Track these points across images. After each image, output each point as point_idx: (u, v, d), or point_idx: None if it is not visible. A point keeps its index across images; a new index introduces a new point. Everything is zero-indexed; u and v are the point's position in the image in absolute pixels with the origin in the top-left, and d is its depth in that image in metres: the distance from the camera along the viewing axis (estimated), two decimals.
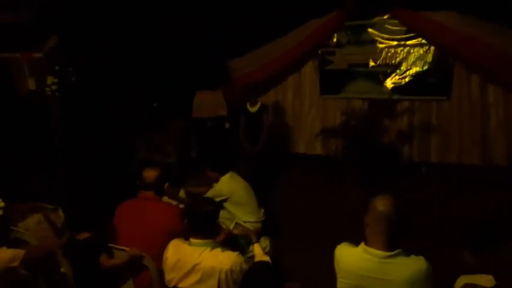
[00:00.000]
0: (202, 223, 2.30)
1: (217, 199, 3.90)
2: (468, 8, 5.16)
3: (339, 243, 2.21)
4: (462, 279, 2.03)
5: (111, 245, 2.69)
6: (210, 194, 3.94)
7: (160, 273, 2.54)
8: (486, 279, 1.93)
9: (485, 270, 2.03)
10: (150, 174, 2.97)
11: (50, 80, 4.40)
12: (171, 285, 2.32)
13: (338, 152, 5.88)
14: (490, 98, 5.62)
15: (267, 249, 3.99)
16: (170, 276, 2.33)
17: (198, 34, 6.22)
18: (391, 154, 5.85)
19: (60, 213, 3.34)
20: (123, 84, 5.29)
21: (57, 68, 4.44)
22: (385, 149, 5.83)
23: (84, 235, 2.62)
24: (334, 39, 6.35)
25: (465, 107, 5.80)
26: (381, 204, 2.03)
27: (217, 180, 3.88)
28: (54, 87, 4.43)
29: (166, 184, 3.67)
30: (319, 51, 6.47)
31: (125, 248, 2.62)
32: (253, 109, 5.51)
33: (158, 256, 2.56)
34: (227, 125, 7.07)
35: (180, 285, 2.29)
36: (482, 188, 5.22)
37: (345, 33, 6.26)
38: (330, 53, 6.43)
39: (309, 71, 6.70)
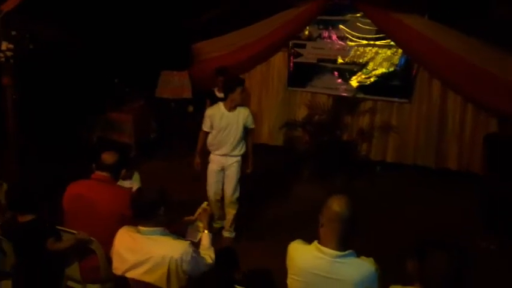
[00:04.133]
0: (145, 211, 2.23)
1: None
2: (438, 13, 5.29)
3: (293, 235, 2.21)
4: None
5: (59, 227, 2.57)
6: None
7: (109, 259, 2.46)
8: None
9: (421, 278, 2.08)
10: (109, 156, 2.86)
11: (4, 45, 4.11)
12: (118, 273, 2.24)
13: (299, 145, 5.93)
14: (449, 104, 5.84)
15: None
16: (117, 264, 2.25)
17: (168, 11, 6.00)
18: (350, 151, 5.97)
19: (5, 187, 3.17)
20: (84, 56, 5.03)
21: (13, 33, 4.14)
22: (345, 146, 5.94)
23: (27, 217, 2.48)
24: (306, 32, 6.35)
25: (424, 111, 5.99)
26: (336, 204, 2.03)
27: None
28: (9, 53, 4.13)
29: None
30: (290, 43, 6.44)
31: (72, 231, 2.51)
32: (220, 95, 5.41)
33: (108, 241, 2.47)
34: (191, 108, 6.95)
35: (127, 275, 2.21)
36: (433, 191, 5.47)
37: (317, 27, 6.27)
38: (300, 45, 6.42)
39: (278, 61, 6.67)
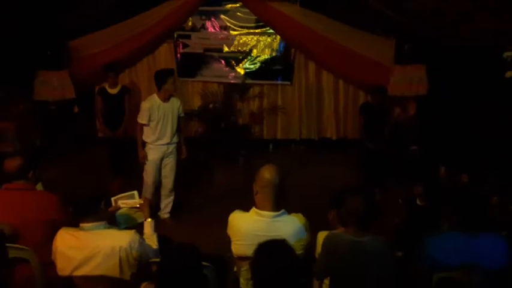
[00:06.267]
0: (86, 207, 2.25)
1: None
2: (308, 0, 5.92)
3: (215, 214, 2.45)
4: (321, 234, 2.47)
5: None
6: None
7: (43, 266, 2.40)
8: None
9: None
10: (10, 164, 2.70)
11: None
12: (65, 274, 2.21)
13: (199, 134, 6.12)
14: (324, 82, 6.63)
15: None
16: (62, 265, 2.22)
17: (41, 5, 5.53)
18: (246, 134, 6.40)
19: None
20: None
21: None
22: (240, 130, 6.34)
23: None
24: (190, 23, 6.49)
25: (304, 91, 6.70)
26: (267, 173, 2.36)
27: None
28: None
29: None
30: (175, 34, 6.52)
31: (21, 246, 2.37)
32: (113, 91, 5.28)
33: (39, 249, 2.41)
34: (76, 109, 6.58)
35: (75, 273, 2.20)
36: (319, 159, 6.23)
37: (200, 18, 6.46)
38: (185, 36, 6.55)
39: (164, 53, 6.68)
